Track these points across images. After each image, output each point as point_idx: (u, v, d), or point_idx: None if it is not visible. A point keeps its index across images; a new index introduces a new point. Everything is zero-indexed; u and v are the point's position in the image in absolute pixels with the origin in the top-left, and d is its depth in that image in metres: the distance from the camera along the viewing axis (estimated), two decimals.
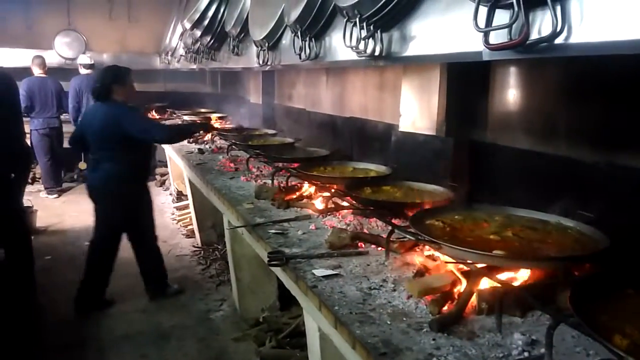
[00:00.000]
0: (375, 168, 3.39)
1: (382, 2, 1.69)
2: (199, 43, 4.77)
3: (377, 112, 4.10)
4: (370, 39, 1.82)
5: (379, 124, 4.00)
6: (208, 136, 6.01)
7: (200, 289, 4.37)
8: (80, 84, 7.22)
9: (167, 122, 6.75)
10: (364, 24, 1.80)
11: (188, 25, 4.59)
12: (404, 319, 1.68)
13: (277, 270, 2.34)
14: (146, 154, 4.21)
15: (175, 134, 4.31)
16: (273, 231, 2.60)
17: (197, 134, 4.99)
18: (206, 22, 4.33)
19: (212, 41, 4.46)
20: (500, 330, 1.56)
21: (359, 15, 1.79)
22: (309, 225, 2.68)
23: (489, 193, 2.77)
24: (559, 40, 1.19)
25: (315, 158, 3.88)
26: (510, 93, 2.77)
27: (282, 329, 3.27)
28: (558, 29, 1.15)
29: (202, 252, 5.22)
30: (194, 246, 5.39)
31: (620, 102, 2.16)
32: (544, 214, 2.20)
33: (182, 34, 5.63)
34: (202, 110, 8.35)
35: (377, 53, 1.84)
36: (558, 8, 1.14)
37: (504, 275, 1.78)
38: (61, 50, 8.87)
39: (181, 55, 6.19)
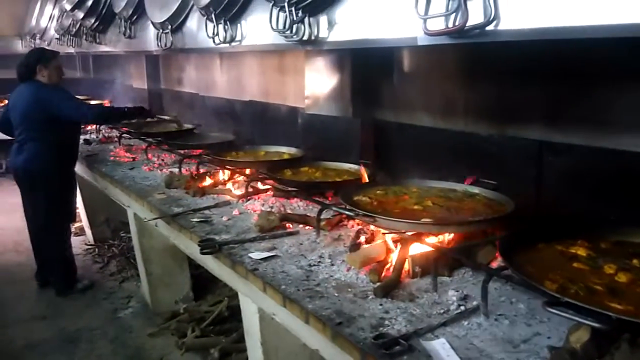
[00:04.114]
0: (287, 150, 3.44)
1: None
2: (81, 25, 4.39)
3: (279, 95, 4.13)
4: (300, 24, 1.86)
5: (282, 107, 4.04)
6: (92, 125, 5.61)
7: (102, 288, 4.12)
8: None
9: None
10: (292, 9, 1.83)
11: (68, 6, 4.21)
12: (349, 289, 1.78)
13: (208, 258, 2.31)
14: (72, 135, 4.02)
15: (107, 115, 4.20)
16: (196, 220, 2.56)
17: (134, 119, 4.41)
18: (89, 2, 4.01)
19: (96, 23, 4.14)
20: (436, 290, 1.74)
21: (288, 1, 1.82)
22: (232, 211, 2.67)
23: (396, 168, 2.98)
24: (490, 27, 1.35)
25: (221, 143, 3.83)
26: (412, 75, 2.97)
27: (205, 317, 3.23)
28: (491, 17, 1.30)
29: (97, 249, 4.90)
30: (86, 244, 5.03)
31: (509, 82, 2.44)
32: (452, 184, 2.44)
33: (59, 16, 5.12)
34: (78, 97, 7.68)
35: (305, 38, 1.89)
36: None
37: (429, 241, 1.96)
38: None
39: (56, 39, 5.64)
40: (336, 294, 1.75)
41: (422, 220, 1.91)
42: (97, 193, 4.45)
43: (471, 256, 1.84)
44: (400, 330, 1.50)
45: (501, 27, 1.33)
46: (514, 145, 2.40)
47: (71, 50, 5.29)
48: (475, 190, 2.32)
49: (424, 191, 2.36)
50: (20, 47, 7.94)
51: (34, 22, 6.87)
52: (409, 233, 1.95)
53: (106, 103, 6.38)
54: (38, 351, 3.21)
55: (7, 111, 3.92)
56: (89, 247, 4.98)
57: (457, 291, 1.71)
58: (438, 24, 1.41)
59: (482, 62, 2.50)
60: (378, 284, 1.77)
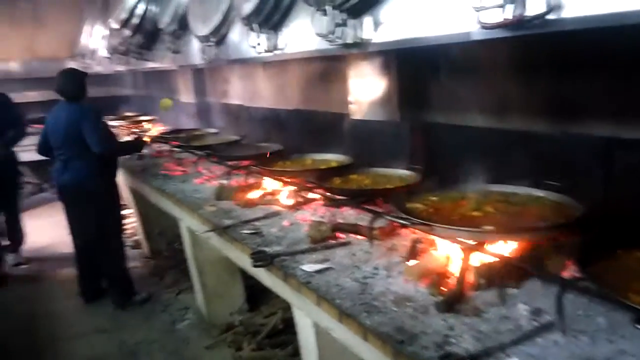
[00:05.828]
0: (334, 158, 3.38)
1: None
2: (128, 43, 4.50)
3: (324, 102, 4.06)
4: (343, 27, 1.79)
5: (327, 114, 3.97)
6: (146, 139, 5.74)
7: (159, 300, 4.18)
8: None
9: None
10: (336, 12, 1.77)
11: (116, 25, 4.32)
12: (408, 303, 1.69)
13: (260, 271, 2.27)
14: None
15: (122, 152, 4.36)
16: (247, 232, 2.53)
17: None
18: (136, 20, 4.10)
19: (143, 40, 4.23)
20: (504, 303, 1.61)
21: (331, 4, 1.75)
22: (281, 222, 2.62)
23: (451, 172, 2.84)
24: (552, 16, 1.23)
25: (271, 153, 3.81)
26: (462, 73, 2.83)
27: (260, 330, 3.20)
28: (554, 5, 1.19)
29: (154, 261, 4.99)
30: (143, 257, 5.14)
31: (570, 75, 2.28)
32: (513, 187, 2.29)
33: (107, 35, 5.29)
34: (128, 114, 7.95)
35: (350, 41, 1.81)
36: None
37: (492, 250, 1.84)
38: None
39: (106, 57, 5.82)
40: (395, 309, 1.66)
41: (485, 227, 1.79)
42: (151, 206, 4.53)
43: (539, 265, 1.70)
44: (468, 349, 1.40)
45: (565, 15, 1.22)
46: (579, 143, 2.23)
47: (121, 68, 5.44)
48: (539, 193, 2.17)
49: (483, 196, 2.23)
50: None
51: (84, 43, 7.14)
52: (470, 242, 1.83)
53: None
54: None
55: (46, 133, 3.98)
56: (146, 259, 5.08)
57: (527, 304, 1.59)
58: (494, 16, 1.30)
59: (539, 54, 2.35)
60: (439, 297, 1.67)
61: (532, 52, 2.38)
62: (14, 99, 4.98)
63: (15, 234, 5.16)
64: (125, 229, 5.42)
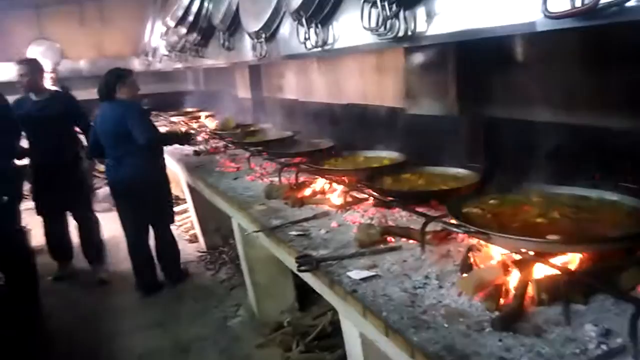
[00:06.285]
0: (387, 155, 3.25)
1: None
2: (184, 41, 4.56)
3: (378, 96, 3.94)
4: (394, 19, 1.67)
5: (381, 109, 3.84)
6: (201, 136, 5.83)
7: (213, 295, 4.23)
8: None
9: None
10: (385, 3, 1.65)
11: (172, 23, 4.39)
12: (461, 319, 1.56)
13: (306, 275, 2.20)
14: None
15: (166, 142, 4.51)
16: (294, 233, 2.46)
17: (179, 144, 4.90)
18: (191, 18, 4.14)
19: (198, 38, 4.26)
20: (569, 322, 1.45)
21: None
22: (330, 223, 2.54)
23: (512, 173, 2.65)
24: (631, 3, 1.06)
25: (320, 150, 3.73)
26: (527, 64, 2.63)
27: (309, 331, 3.15)
28: None
29: (209, 256, 5.06)
30: (199, 251, 5.23)
31: None
32: (583, 189, 2.09)
33: (165, 33, 5.39)
34: (189, 109, 8.13)
35: (401, 34, 1.69)
36: None
37: (555, 261, 1.67)
38: None
39: (165, 55, 5.95)
40: (446, 325, 1.53)
41: (549, 237, 1.62)
42: (207, 202, 4.59)
43: (612, 281, 1.52)
44: None
45: None
46: None
47: (179, 65, 5.54)
48: (614, 197, 1.95)
49: (548, 200, 2.04)
50: (137, 65, 8.54)
51: (146, 41, 7.35)
52: (532, 252, 1.67)
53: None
54: None
55: (96, 134, 4.09)
56: (202, 254, 5.17)
57: (596, 325, 1.42)
58: (562, 4, 1.14)
59: (612, 44, 2.12)
60: (496, 313, 1.53)
61: (607, 41, 2.15)
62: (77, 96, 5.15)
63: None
64: (177, 221, 5.55)
